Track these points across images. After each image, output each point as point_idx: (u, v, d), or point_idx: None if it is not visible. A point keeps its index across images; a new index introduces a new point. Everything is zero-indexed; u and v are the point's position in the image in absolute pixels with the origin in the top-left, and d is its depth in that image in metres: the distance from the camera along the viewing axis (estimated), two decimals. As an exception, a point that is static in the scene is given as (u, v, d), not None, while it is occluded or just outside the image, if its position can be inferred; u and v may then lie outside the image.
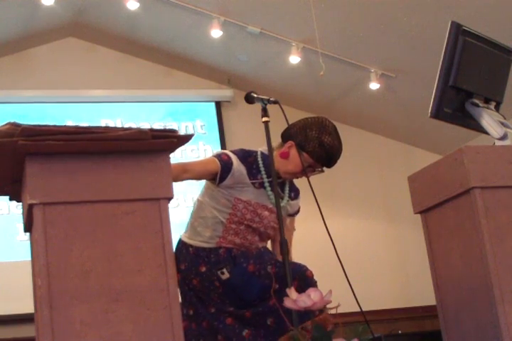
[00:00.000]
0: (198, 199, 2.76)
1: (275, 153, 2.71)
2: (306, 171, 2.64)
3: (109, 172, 1.87)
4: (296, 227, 2.89)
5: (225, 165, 2.61)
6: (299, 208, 2.89)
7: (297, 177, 2.76)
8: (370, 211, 6.54)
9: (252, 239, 2.69)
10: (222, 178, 2.61)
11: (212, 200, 2.68)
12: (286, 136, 2.74)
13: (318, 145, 2.62)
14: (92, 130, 1.84)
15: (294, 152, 2.66)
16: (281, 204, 2.66)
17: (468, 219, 2.14)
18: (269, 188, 2.67)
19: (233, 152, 2.70)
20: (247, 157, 2.70)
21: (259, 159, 2.71)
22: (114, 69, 6.23)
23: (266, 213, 2.68)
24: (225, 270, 2.61)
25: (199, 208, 2.73)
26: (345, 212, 6.43)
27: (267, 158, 2.66)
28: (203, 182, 2.74)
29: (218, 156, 2.64)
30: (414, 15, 5.03)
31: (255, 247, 2.71)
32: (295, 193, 2.85)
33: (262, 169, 2.69)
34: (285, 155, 2.67)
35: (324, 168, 2.72)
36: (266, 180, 2.68)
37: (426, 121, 2.79)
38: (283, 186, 2.78)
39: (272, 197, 2.66)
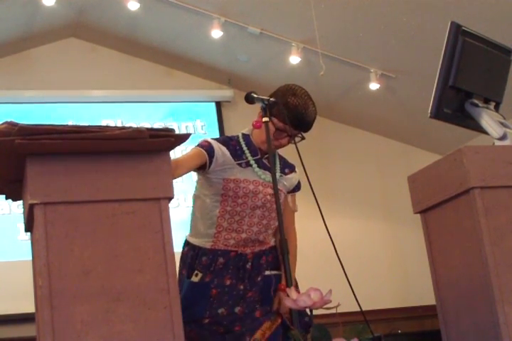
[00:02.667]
0: (193, 195, 2.79)
1: (251, 128, 2.73)
2: (277, 137, 2.63)
3: (110, 172, 1.88)
4: (295, 227, 2.86)
5: (208, 150, 2.64)
6: (299, 183, 2.86)
7: (278, 147, 2.73)
8: (369, 211, 6.54)
9: (251, 221, 2.67)
10: (209, 163, 2.64)
11: (204, 188, 2.70)
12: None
13: (284, 107, 2.59)
14: (89, 129, 1.84)
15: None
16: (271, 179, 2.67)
17: (468, 219, 2.14)
18: (255, 165, 2.68)
19: (213, 138, 2.73)
20: (228, 141, 2.72)
21: (241, 140, 2.73)
22: (115, 69, 6.24)
23: (260, 188, 2.68)
24: (199, 273, 2.62)
25: (195, 202, 2.77)
26: (345, 212, 6.43)
27: (248, 138, 2.73)
28: None
29: (200, 145, 2.68)
30: (414, 15, 5.03)
31: (251, 252, 2.68)
32: (289, 169, 2.83)
33: (245, 148, 2.71)
34: (258, 125, 2.64)
35: (304, 135, 2.68)
36: (251, 158, 2.69)
37: (426, 121, 2.79)
38: (273, 161, 2.75)
39: (260, 173, 2.68)
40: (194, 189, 2.79)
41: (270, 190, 2.68)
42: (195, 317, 2.55)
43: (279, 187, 2.64)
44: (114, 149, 1.88)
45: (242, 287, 2.63)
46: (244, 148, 2.71)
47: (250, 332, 2.54)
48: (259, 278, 2.67)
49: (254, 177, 2.68)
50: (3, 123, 1.80)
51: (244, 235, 2.66)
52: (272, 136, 2.62)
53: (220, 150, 2.66)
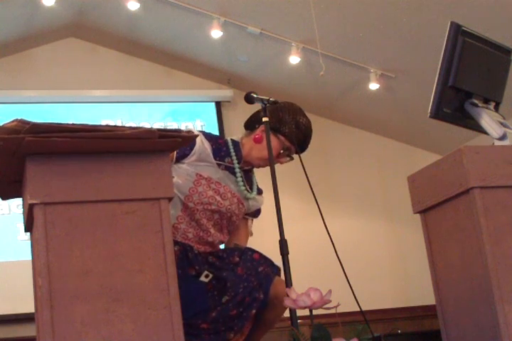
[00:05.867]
0: None
1: (246, 140, 2.66)
2: (280, 155, 2.59)
3: (110, 172, 1.88)
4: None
5: None
6: (260, 210, 2.79)
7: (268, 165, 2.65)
8: (370, 211, 6.54)
9: (208, 223, 2.58)
10: (183, 155, 2.55)
11: (174, 176, 2.56)
12: (254, 122, 2.67)
13: (295, 127, 2.56)
14: (100, 128, 1.84)
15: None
16: (251, 196, 2.64)
17: (468, 218, 2.14)
18: (239, 175, 2.63)
19: (200, 131, 2.66)
20: (216, 138, 2.66)
21: (230, 144, 2.66)
22: (115, 69, 6.24)
23: (228, 195, 2.60)
24: (209, 274, 2.51)
25: None
26: (345, 212, 6.43)
27: (237, 145, 2.66)
28: None
29: None
30: (414, 15, 5.03)
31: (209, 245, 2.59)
32: (259, 191, 2.77)
33: (233, 154, 2.63)
34: (259, 140, 2.59)
35: (294, 156, 2.64)
36: (237, 165, 2.63)
37: (426, 121, 2.79)
38: (252, 177, 2.72)
39: (241, 184, 2.62)
40: None
41: (236, 200, 2.62)
42: (200, 309, 2.47)
43: (244, 203, 2.63)
44: (124, 149, 1.88)
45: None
46: (232, 153, 2.64)
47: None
48: (236, 259, 2.57)
49: (228, 182, 2.62)
50: (13, 121, 1.77)
51: (201, 233, 2.58)
52: (276, 153, 2.58)
53: (203, 145, 2.58)
